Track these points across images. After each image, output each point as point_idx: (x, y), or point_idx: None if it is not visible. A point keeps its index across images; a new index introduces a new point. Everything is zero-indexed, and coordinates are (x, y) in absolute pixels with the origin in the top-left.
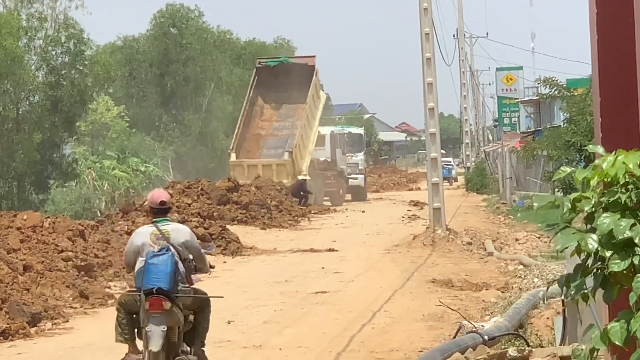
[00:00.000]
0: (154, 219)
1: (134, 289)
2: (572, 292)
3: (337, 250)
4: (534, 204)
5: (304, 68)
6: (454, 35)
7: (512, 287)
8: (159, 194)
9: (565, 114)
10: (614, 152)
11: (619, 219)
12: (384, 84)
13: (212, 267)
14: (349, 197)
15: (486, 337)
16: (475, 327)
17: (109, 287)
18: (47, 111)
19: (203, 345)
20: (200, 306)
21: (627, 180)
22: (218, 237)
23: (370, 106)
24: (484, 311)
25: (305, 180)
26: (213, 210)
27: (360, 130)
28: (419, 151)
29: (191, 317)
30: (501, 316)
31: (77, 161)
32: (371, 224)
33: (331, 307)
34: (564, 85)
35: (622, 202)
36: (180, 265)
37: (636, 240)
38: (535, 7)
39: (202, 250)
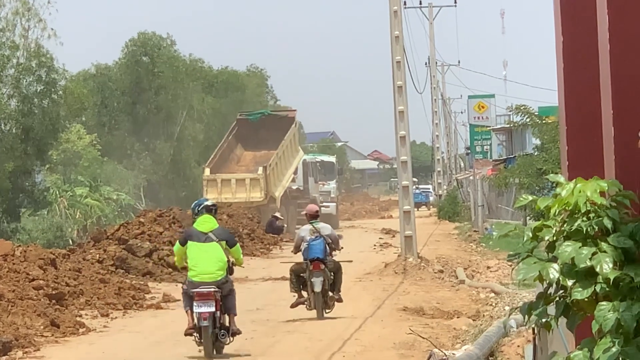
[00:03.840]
0: (311, 221)
1: (297, 262)
2: (534, 320)
3: None
4: (493, 233)
5: (284, 120)
6: (426, 63)
7: (484, 315)
8: (312, 207)
9: (537, 139)
10: (573, 181)
11: (580, 247)
12: (356, 112)
13: (341, 247)
14: None
15: None
16: (446, 356)
17: (80, 316)
18: (18, 139)
19: (339, 291)
20: (337, 268)
21: (588, 208)
22: None
23: (343, 134)
24: (455, 339)
25: (277, 218)
26: None
27: (333, 159)
28: (391, 179)
29: (332, 276)
30: (472, 344)
31: (49, 189)
32: (343, 252)
33: (302, 336)
34: (536, 113)
35: (584, 231)
36: (326, 246)
37: (597, 269)
38: (507, 35)
39: (337, 238)
